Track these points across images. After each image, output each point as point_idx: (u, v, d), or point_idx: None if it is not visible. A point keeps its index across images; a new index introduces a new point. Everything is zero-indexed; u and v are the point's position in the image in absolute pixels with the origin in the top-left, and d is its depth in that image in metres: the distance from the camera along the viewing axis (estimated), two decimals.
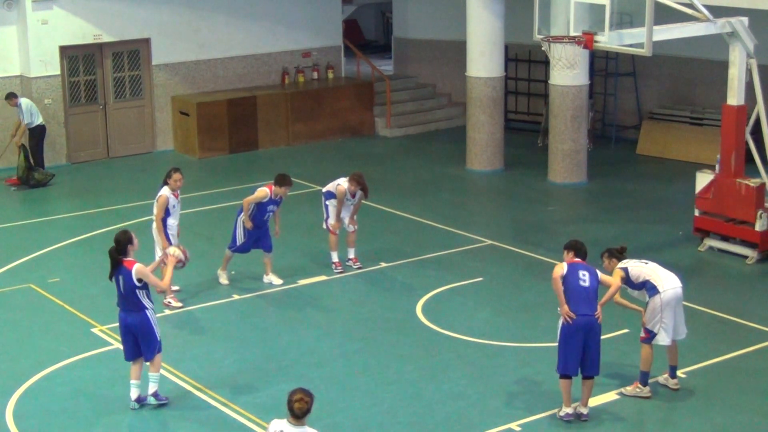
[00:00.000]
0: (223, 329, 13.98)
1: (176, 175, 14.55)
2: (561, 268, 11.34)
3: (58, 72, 21.80)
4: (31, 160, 20.42)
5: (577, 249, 11.52)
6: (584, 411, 11.49)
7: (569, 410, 11.41)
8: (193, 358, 13.11)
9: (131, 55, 22.71)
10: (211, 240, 17.38)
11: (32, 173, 20.41)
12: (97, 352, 13.30)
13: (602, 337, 13.40)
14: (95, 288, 15.38)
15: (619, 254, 12.19)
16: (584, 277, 11.22)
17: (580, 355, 11.24)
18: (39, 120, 20.60)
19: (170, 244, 14.16)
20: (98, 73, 22.40)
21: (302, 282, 15.55)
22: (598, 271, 11.52)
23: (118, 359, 13.02)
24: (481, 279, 15.70)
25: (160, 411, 11.81)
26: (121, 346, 13.12)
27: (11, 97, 20.52)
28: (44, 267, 16.30)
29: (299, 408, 8.29)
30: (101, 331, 13.89)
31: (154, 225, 14.54)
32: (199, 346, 13.50)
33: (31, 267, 16.27)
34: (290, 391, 8.41)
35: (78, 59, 22.14)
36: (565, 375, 11.34)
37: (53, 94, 21.78)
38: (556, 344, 11.40)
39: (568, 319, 11.17)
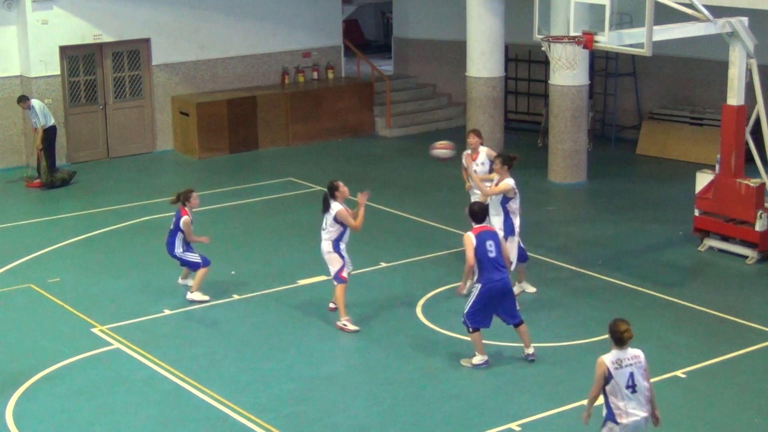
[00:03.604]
0: (223, 329, 13.97)
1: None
2: (471, 246, 12.29)
3: (58, 72, 21.79)
4: (49, 162, 20.39)
5: (474, 215, 12.60)
6: (530, 351, 12.80)
7: (485, 357, 12.65)
8: (193, 358, 13.10)
9: (131, 55, 22.70)
10: (211, 240, 17.35)
11: (55, 175, 20.41)
12: (97, 352, 13.28)
13: (602, 337, 13.51)
14: (95, 288, 15.39)
15: (511, 161, 14.48)
16: (491, 248, 12.37)
17: (493, 312, 12.53)
18: (52, 121, 20.55)
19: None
20: (98, 73, 22.39)
21: (302, 282, 15.54)
22: (497, 231, 13.19)
23: (118, 359, 13.05)
24: None
25: (160, 411, 11.82)
26: (121, 347, 13.18)
27: (23, 100, 20.39)
28: (44, 267, 16.28)
29: (629, 337, 9.46)
30: (101, 331, 13.88)
31: None
32: (199, 346, 13.49)
33: (31, 267, 16.26)
34: (611, 322, 9.54)
35: (78, 59, 22.13)
36: (477, 329, 12.55)
37: (53, 94, 21.76)
38: (470, 306, 12.50)
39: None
